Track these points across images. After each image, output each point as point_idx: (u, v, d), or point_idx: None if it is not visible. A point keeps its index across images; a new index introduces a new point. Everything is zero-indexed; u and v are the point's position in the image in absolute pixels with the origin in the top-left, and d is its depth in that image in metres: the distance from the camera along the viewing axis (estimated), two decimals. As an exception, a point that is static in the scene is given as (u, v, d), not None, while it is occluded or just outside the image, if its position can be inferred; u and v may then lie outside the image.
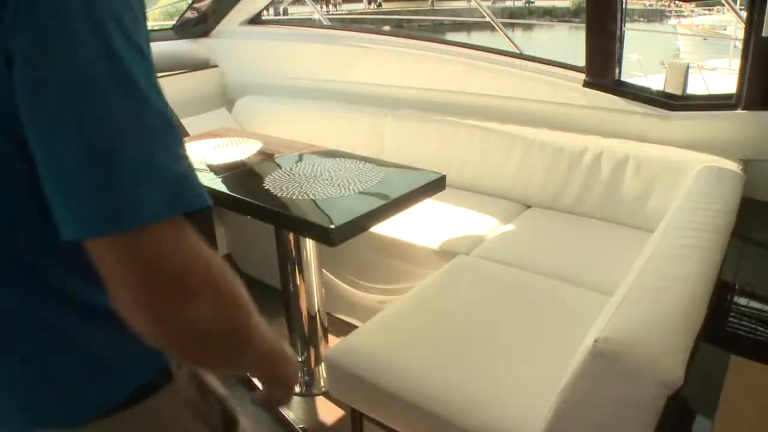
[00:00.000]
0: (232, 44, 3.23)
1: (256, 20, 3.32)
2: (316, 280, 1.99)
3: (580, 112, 2.33)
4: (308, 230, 1.64)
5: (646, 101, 2.19)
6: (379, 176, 1.82)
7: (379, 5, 28.84)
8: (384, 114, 2.75)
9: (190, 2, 3.25)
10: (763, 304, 1.60)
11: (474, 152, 2.50)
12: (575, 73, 2.35)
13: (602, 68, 2.24)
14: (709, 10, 14.97)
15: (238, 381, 1.68)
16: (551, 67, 2.43)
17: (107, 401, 0.64)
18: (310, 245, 1.94)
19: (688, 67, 2.26)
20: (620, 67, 2.26)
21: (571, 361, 1.02)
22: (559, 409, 1.05)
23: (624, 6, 2.15)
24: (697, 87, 5.65)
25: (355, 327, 1.62)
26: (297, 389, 2.08)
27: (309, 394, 2.06)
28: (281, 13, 15.68)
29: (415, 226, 2.18)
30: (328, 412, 1.97)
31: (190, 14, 3.27)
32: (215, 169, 1.93)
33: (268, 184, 1.78)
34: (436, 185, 1.81)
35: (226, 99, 3.33)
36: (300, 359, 2.09)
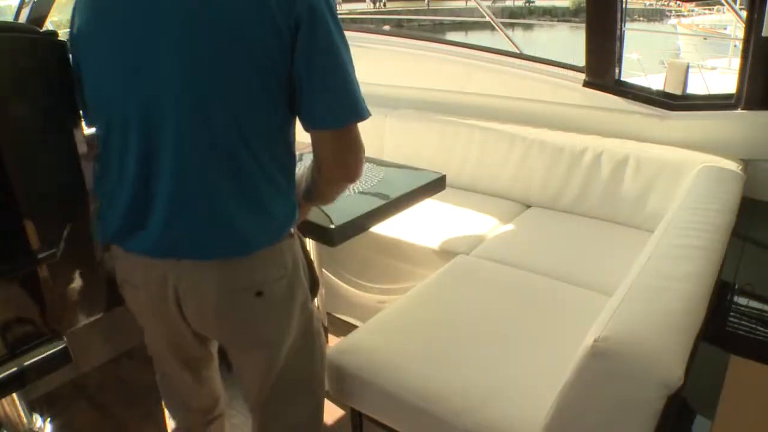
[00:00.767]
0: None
1: (256, 20, 3.31)
2: (316, 280, 1.99)
3: (580, 112, 2.33)
4: (308, 230, 1.64)
5: (646, 101, 2.19)
6: (379, 176, 1.82)
7: (384, 5, 28.79)
8: (384, 114, 2.74)
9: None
10: (763, 304, 1.59)
11: (474, 152, 2.50)
12: (575, 73, 2.35)
13: (602, 68, 2.24)
14: (709, 9, 14.97)
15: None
16: (551, 67, 2.43)
17: (268, 241, 1.02)
18: (310, 245, 1.94)
19: (688, 67, 2.26)
20: (620, 66, 2.26)
21: (571, 361, 1.02)
22: (559, 409, 1.06)
23: (624, 6, 2.15)
24: (697, 87, 5.65)
25: (355, 327, 1.62)
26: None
27: (309, 394, 2.06)
28: (281, 12, 15.63)
29: (415, 226, 2.18)
30: (328, 412, 1.97)
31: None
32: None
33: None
34: (436, 185, 1.81)
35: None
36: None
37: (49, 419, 1.93)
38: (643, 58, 6.82)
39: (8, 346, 1.18)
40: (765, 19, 1.81)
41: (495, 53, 2.59)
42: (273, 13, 0.88)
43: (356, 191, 1.70)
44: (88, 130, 1.12)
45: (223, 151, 0.94)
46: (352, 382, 1.47)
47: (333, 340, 2.18)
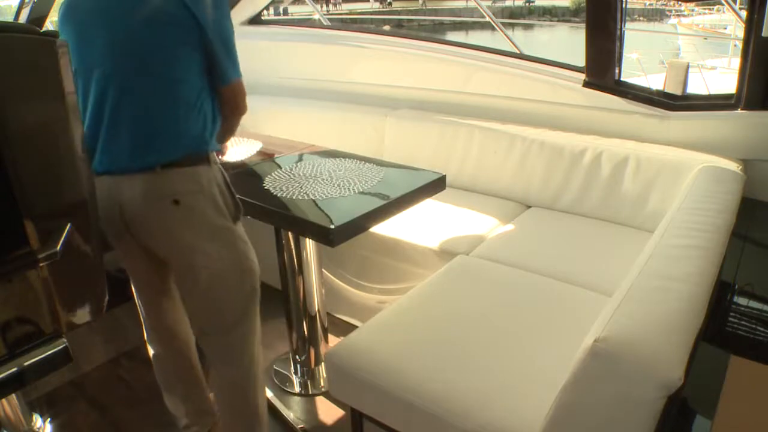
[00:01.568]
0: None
1: (256, 20, 3.32)
2: (316, 280, 1.99)
3: (580, 112, 2.33)
4: (308, 230, 1.64)
5: (646, 101, 2.19)
6: (379, 176, 1.82)
7: (389, 4, 28.76)
8: (384, 114, 2.74)
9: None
10: (763, 304, 1.59)
11: (474, 152, 2.50)
12: (575, 73, 2.35)
13: (602, 68, 2.24)
14: (709, 9, 14.96)
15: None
16: (551, 67, 2.43)
17: (181, 158, 1.33)
18: (310, 245, 1.94)
19: (688, 67, 2.26)
20: (620, 66, 2.26)
21: (571, 361, 1.02)
22: (559, 409, 1.06)
23: (624, 6, 2.15)
24: (697, 87, 5.65)
25: (355, 327, 1.63)
26: (297, 389, 2.08)
27: (309, 394, 2.06)
28: (281, 13, 15.67)
29: (415, 226, 2.18)
30: (328, 412, 1.97)
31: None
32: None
33: (268, 184, 1.78)
34: (436, 185, 1.81)
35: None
36: (300, 359, 2.09)
37: (49, 419, 1.93)
38: (643, 58, 6.82)
39: (8, 346, 1.18)
40: (765, 19, 1.81)
41: (495, 53, 2.59)
42: None
43: (356, 191, 1.70)
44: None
45: (140, 91, 1.30)
46: (352, 382, 1.47)
47: (333, 340, 2.18)
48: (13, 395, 1.74)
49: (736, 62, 2.07)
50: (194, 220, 1.35)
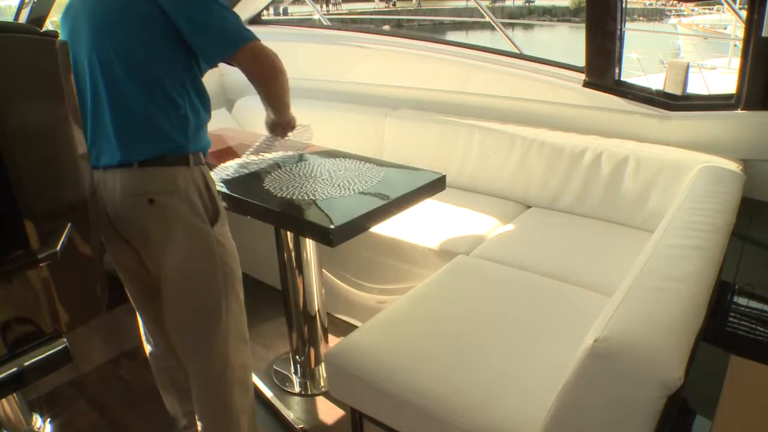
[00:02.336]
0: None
1: (256, 20, 3.32)
2: (316, 280, 1.99)
3: (580, 112, 2.33)
4: (308, 230, 1.64)
5: (646, 101, 2.19)
6: (379, 176, 1.82)
7: (394, 4, 28.74)
8: (384, 114, 2.74)
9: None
10: (763, 304, 1.59)
11: (474, 152, 2.50)
12: (575, 73, 2.35)
13: (602, 68, 2.24)
14: (709, 9, 14.96)
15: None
16: (551, 67, 2.43)
17: (158, 158, 1.33)
18: (310, 245, 1.94)
19: (688, 67, 2.26)
20: (620, 66, 2.26)
21: (571, 361, 1.02)
22: (559, 409, 1.06)
23: (624, 6, 2.15)
24: (697, 87, 5.65)
25: (355, 327, 1.63)
26: (297, 389, 2.08)
27: (309, 394, 2.06)
28: (281, 13, 15.67)
29: (415, 226, 2.18)
30: (328, 412, 1.97)
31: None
32: (215, 169, 1.93)
33: (268, 184, 1.78)
34: (436, 185, 1.81)
35: (226, 99, 3.33)
36: (300, 359, 2.09)
37: (49, 419, 1.93)
38: (643, 58, 6.82)
39: (8, 346, 1.18)
40: (765, 19, 1.82)
41: (495, 53, 2.59)
42: None
43: (356, 191, 1.70)
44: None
45: (118, 88, 1.31)
46: (352, 382, 1.47)
47: (333, 340, 2.18)
48: (13, 395, 1.74)
49: (736, 62, 2.07)
50: (168, 220, 1.35)
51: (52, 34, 1.06)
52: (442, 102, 2.69)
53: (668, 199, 1.99)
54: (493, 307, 1.66)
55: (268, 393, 2.04)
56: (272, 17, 7.66)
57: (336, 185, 1.74)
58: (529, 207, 2.41)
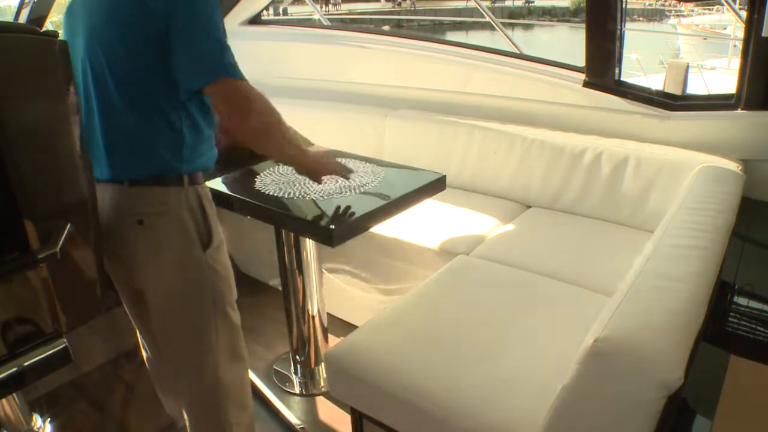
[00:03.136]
0: (232, 44, 3.22)
1: (256, 20, 3.32)
2: (316, 280, 1.99)
3: (580, 112, 2.33)
4: (308, 230, 1.64)
5: (646, 101, 2.19)
6: (379, 176, 1.82)
7: (399, 4, 28.72)
8: (384, 114, 2.74)
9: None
10: (763, 304, 1.59)
11: (474, 152, 2.50)
12: (575, 73, 2.35)
13: (602, 68, 2.24)
14: (709, 9, 14.96)
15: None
16: (551, 67, 2.43)
17: (147, 178, 1.25)
18: (310, 245, 1.94)
19: (688, 67, 2.26)
20: (620, 66, 2.26)
21: (571, 361, 1.02)
22: (559, 409, 1.06)
23: (624, 6, 2.15)
24: (697, 87, 5.65)
25: (355, 327, 1.62)
26: (297, 389, 2.08)
27: (309, 394, 2.06)
28: (281, 13, 15.67)
29: (415, 226, 2.18)
30: (328, 412, 1.97)
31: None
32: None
33: (269, 184, 1.78)
34: (436, 185, 1.81)
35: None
36: (300, 359, 2.09)
37: (49, 419, 1.93)
38: (642, 58, 6.82)
39: (8, 346, 1.18)
40: (765, 19, 1.82)
41: (495, 53, 2.59)
42: None
43: (356, 191, 1.70)
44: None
45: (108, 100, 1.23)
46: (352, 382, 1.47)
47: (333, 340, 2.18)
48: (13, 395, 1.74)
49: (736, 62, 2.07)
50: (156, 242, 1.28)
51: (52, 34, 1.06)
52: (442, 102, 2.69)
53: (668, 199, 1.98)
54: (493, 307, 1.66)
55: (268, 393, 2.04)
56: (272, 17, 7.65)
57: (336, 185, 1.74)
58: (529, 207, 2.41)
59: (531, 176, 2.37)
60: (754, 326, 1.49)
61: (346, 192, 1.70)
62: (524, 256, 1.97)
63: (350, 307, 2.38)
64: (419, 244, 2.11)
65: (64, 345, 1.24)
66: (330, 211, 1.59)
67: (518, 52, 2.65)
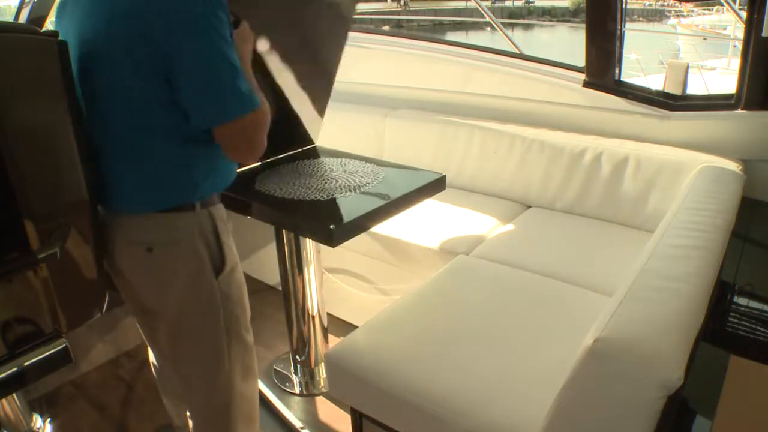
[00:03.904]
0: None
1: (255, 20, 3.31)
2: (316, 280, 1.99)
3: (580, 112, 2.33)
4: (308, 230, 1.64)
5: (646, 101, 2.19)
6: (379, 176, 1.82)
7: (405, 4, 28.69)
8: (384, 114, 2.74)
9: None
10: (763, 304, 1.59)
11: (474, 152, 2.50)
12: (575, 73, 2.35)
13: (602, 68, 2.24)
14: (709, 9, 14.96)
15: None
16: (551, 67, 2.43)
17: (156, 207, 1.18)
18: (310, 245, 1.94)
19: (688, 67, 2.26)
20: (620, 67, 2.26)
21: (571, 361, 1.02)
22: (559, 409, 1.06)
23: (624, 6, 2.15)
24: (696, 87, 5.65)
25: (355, 327, 1.62)
26: (297, 389, 2.08)
27: (309, 394, 2.06)
28: (281, 13, 15.64)
29: (415, 226, 2.18)
30: (328, 412, 1.97)
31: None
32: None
33: (269, 183, 1.78)
34: (436, 185, 1.81)
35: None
36: (300, 359, 2.09)
37: (49, 419, 1.93)
38: (642, 58, 6.83)
39: (8, 346, 1.18)
40: (765, 19, 1.82)
41: (495, 53, 2.59)
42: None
43: (356, 191, 1.70)
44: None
45: (116, 122, 1.14)
46: (352, 382, 1.47)
47: (333, 340, 2.18)
48: (13, 395, 1.74)
49: (736, 63, 2.07)
50: (167, 272, 1.23)
51: (52, 34, 1.06)
52: (442, 102, 2.69)
53: (668, 199, 1.99)
54: (493, 307, 1.66)
55: (268, 393, 2.04)
56: (272, 17, 7.62)
57: (336, 185, 1.74)
58: (529, 207, 2.41)
59: (531, 176, 2.37)
60: (754, 326, 1.49)
61: (346, 192, 1.70)
62: (524, 256, 1.97)
63: (350, 307, 2.38)
64: (419, 244, 2.11)
65: (64, 345, 1.24)
66: (330, 211, 1.59)
67: (518, 52, 2.65)
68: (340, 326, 2.37)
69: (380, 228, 1.99)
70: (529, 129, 2.39)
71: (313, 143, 2.13)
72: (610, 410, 0.99)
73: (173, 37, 1.03)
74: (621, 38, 2.19)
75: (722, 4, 3.53)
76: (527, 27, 24.62)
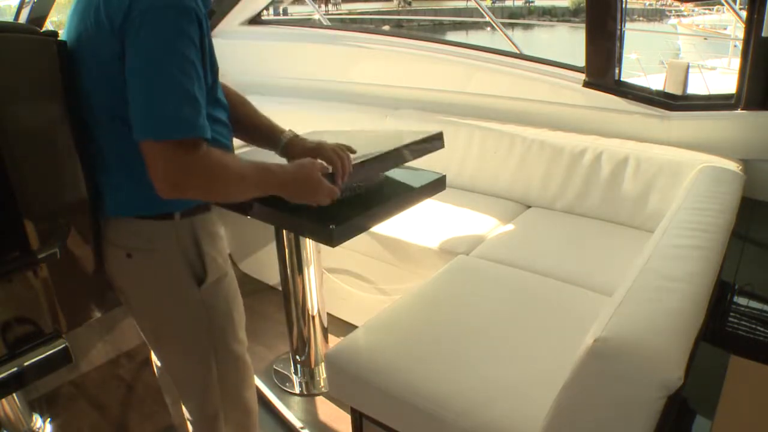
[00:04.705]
0: (232, 44, 3.23)
1: (256, 20, 3.32)
2: (316, 280, 1.99)
3: (580, 112, 2.33)
4: (308, 230, 1.64)
5: (646, 101, 2.19)
6: (379, 176, 1.82)
7: (409, 4, 28.70)
8: (384, 114, 2.74)
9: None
10: (763, 304, 1.59)
11: (474, 152, 2.50)
12: (575, 73, 2.35)
13: (602, 68, 2.24)
14: (709, 9, 14.96)
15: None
16: (551, 67, 2.43)
17: (131, 212, 1.15)
18: (310, 245, 1.94)
19: (688, 67, 2.26)
20: (620, 67, 2.26)
21: (571, 361, 1.02)
22: (559, 409, 1.05)
23: (624, 6, 2.15)
24: (697, 87, 5.65)
25: (355, 327, 1.62)
26: (297, 389, 2.08)
27: (309, 394, 2.06)
28: (281, 13, 15.67)
29: (415, 226, 2.18)
30: (328, 412, 1.97)
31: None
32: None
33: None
34: (436, 185, 1.80)
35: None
36: (300, 359, 2.09)
37: (49, 419, 1.93)
38: (642, 58, 6.83)
39: (8, 346, 1.18)
40: (765, 19, 1.81)
41: (495, 53, 2.59)
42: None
43: (356, 191, 1.70)
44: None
45: (96, 121, 1.11)
46: (352, 382, 1.47)
47: (333, 340, 2.18)
48: (13, 395, 1.74)
49: (736, 62, 2.07)
50: (142, 280, 1.22)
51: (52, 34, 1.06)
52: (443, 102, 2.69)
53: (668, 199, 1.99)
54: (493, 307, 1.66)
55: (269, 393, 2.04)
56: (272, 17, 7.65)
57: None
58: (529, 207, 2.41)
59: (531, 176, 2.37)
60: (754, 326, 1.49)
61: (346, 192, 1.70)
62: (524, 256, 1.97)
63: (350, 307, 2.38)
64: (419, 244, 2.11)
65: (64, 345, 1.24)
66: (330, 211, 1.59)
67: (518, 52, 2.65)
68: (340, 326, 2.37)
69: (380, 228, 1.99)
70: (529, 129, 2.39)
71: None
72: (610, 410, 0.98)
73: (129, 34, 0.97)
74: (621, 38, 2.19)
75: (722, 4, 3.53)
76: (527, 27, 24.63)
